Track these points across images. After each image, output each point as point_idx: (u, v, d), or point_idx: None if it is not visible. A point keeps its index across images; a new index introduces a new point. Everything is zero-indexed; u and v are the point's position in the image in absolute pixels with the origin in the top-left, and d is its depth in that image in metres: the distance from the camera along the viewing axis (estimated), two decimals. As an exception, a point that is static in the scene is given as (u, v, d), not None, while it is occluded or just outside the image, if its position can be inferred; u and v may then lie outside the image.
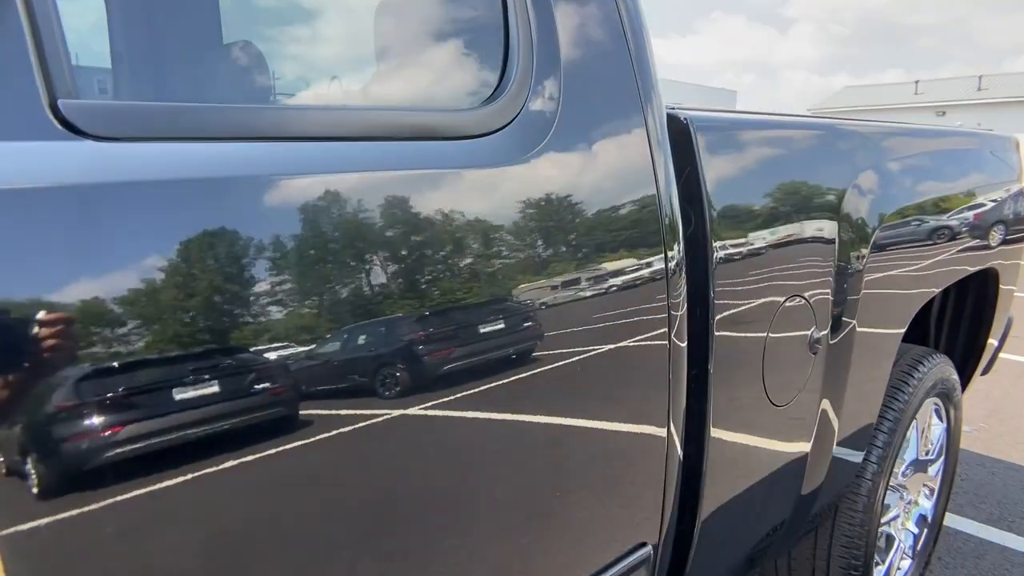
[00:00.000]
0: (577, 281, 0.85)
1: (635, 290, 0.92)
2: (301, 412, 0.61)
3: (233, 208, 0.58)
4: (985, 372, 2.41)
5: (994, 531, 2.40)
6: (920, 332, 2.23)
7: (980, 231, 1.89)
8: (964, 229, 1.79)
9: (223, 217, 0.57)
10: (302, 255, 0.62)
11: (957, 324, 2.22)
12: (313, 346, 0.61)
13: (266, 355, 0.58)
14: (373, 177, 0.69)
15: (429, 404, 0.70)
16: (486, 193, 0.78)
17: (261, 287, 0.59)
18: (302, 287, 0.61)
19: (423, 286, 0.71)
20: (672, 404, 0.98)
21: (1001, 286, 2.09)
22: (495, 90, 0.84)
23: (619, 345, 0.90)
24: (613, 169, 0.93)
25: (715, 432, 1.08)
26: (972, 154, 2.02)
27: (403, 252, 0.69)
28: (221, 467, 0.55)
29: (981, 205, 1.93)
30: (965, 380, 2.26)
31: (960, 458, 2.93)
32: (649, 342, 0.94)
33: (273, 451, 0.58)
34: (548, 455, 0.85)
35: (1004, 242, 2.03)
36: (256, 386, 0.58)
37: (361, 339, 0.66)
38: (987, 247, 1.93)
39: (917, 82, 37.23)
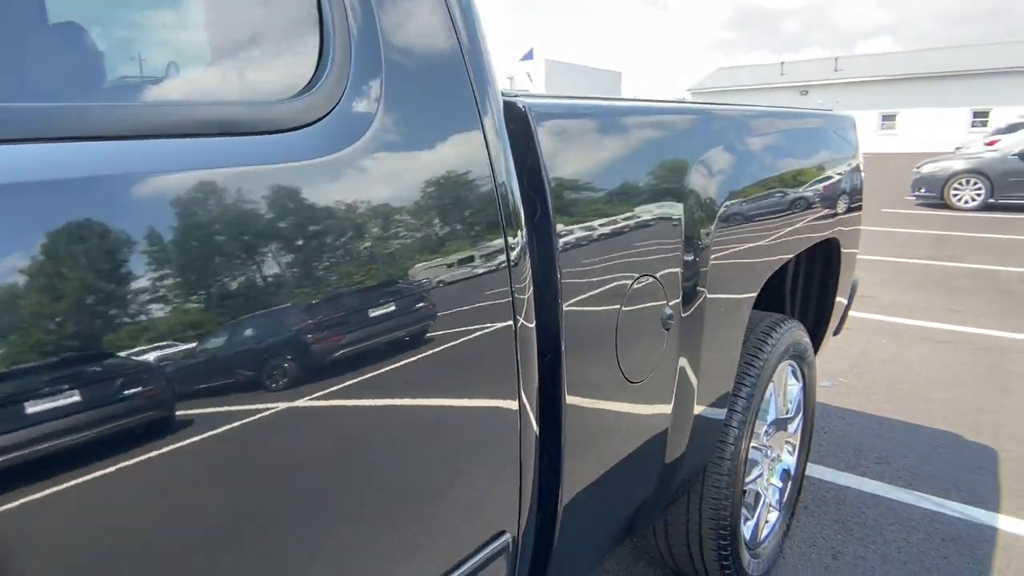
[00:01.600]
0: (411, 273, 0.83)
1: (478, 277, 0.91)
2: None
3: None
4: (837, 332, 2.61)
5: (852, 477, 2.62)
6: (777, 300, 2.39)
7: (822, 203, 2.03)
8: (808, 202, 1.91)
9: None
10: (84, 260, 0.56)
11: (809, 291, 2.39)
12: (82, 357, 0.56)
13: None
14: (165, 177, 0.64)
15: (270, 406, 0.66)
16: (296, 189, 0.74)
17: (33, 300, 0.53)
18: (99, 295, 0.56)
19: (237, 286, 0.66)
20: (523, 387, 0.99)
21: (843, 250, 2.26)
22: (309, 82, 0.80)
23: (464, 330, 0.89)
24: (444, 159, 0.91)
25: (571, 414, 1.10)
26: (815, 133, 2.16)
27: (204, 252, 0.65)
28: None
29: (823, 180, 2.08)
30: (819, 341, 2.45)
31: (822, 412, 3.18)
32: (495, 326, 0.93)
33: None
34: (396, 452, 0.83)
35: (844, 212, 2.20)
36: None
37: (194, 342, 0.61)
38: (829, 218, 2.08)
39: (782, 63, 40.53)
